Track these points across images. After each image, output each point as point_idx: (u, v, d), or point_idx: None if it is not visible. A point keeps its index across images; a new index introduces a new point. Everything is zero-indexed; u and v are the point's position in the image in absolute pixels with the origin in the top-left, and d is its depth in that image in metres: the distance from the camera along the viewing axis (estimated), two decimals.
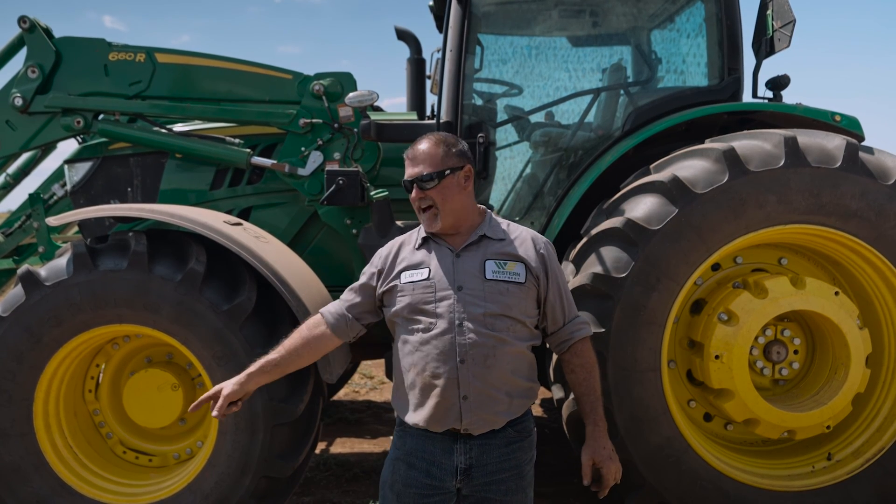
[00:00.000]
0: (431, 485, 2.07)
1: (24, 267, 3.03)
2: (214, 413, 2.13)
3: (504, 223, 2.21)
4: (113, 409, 3.37)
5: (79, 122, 3.80)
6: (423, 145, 2.12)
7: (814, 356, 3.31)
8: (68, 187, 4.12)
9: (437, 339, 2.03)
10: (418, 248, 2.16)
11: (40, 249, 4.20)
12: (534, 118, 4.15)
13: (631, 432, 3.04)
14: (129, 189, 4.05)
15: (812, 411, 3.11)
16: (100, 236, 3.23)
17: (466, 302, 2.03)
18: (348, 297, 2.24)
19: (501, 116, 4.08)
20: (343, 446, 4.93)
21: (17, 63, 3.88)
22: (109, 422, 3.37)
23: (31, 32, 3.75)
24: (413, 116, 4.25)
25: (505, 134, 4.22)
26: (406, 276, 2.11)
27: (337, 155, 3.84)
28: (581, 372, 2.21)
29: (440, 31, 4.24)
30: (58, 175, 4.94)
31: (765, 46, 3.63)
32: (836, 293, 3.12)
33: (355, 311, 2.22)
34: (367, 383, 6.62)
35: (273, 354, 2.19)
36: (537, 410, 5.48)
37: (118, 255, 3.01)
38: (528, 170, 4.09)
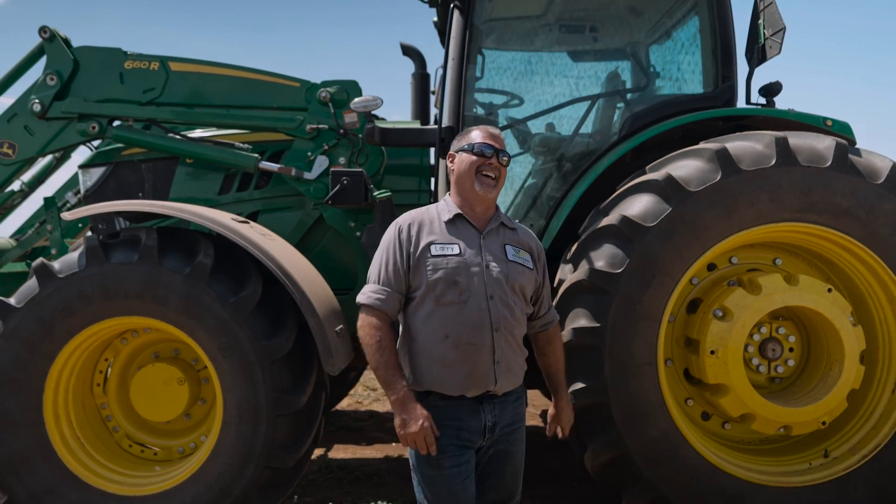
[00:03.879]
0: (462, 445, 2.25)
1: (38, 260, 3.13)
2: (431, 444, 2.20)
3: (509, 218, 2.49)
4: (120, 403, 3.43)
5: (94, 128, 3.94)
6: (499, 132, 2.43)
7: (809, 354, 3.35)
8: (82, 191, 4.25)
9: (472, 310, 2.22)
10: (446, 224, 2.33)
11: (53, 252, 4.31)
12: (534, 128, 4.27)
13: (627, 426, 3.08)
14: (141, 193, 4.18)
15: (807, 406, 3.14)
16: (112, 233, 3.34)
17: (494, 278, 2.26)
18: (382, 276, 2.30)
19: (502, 123, 4.19)
20: (345, 452, 4.97)
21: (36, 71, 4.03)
22: (116, 416, 3.44)
23: (51, 42, 3.91)
24: (416, 124, 4.38)
25: (507, 147, 4.33)
26: (436, 249, 2.26)
27: (342, 159, 3.95)
28: (557, 351, 2.56)
29: (444, 46, 4.39)
30: (72, 183, 5.09)
31: (757, 54, 3.74)
32: (829, 290, 3.18)
33: (402, 287, 2.31)
34: (371, 395, 6.66)
35: (390, 372, 2.23)
36: (536, 420, 5.51)
37: (129, 248, 3.11)
38: (527, 175, 4.19)
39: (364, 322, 2.28)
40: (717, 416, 3.40)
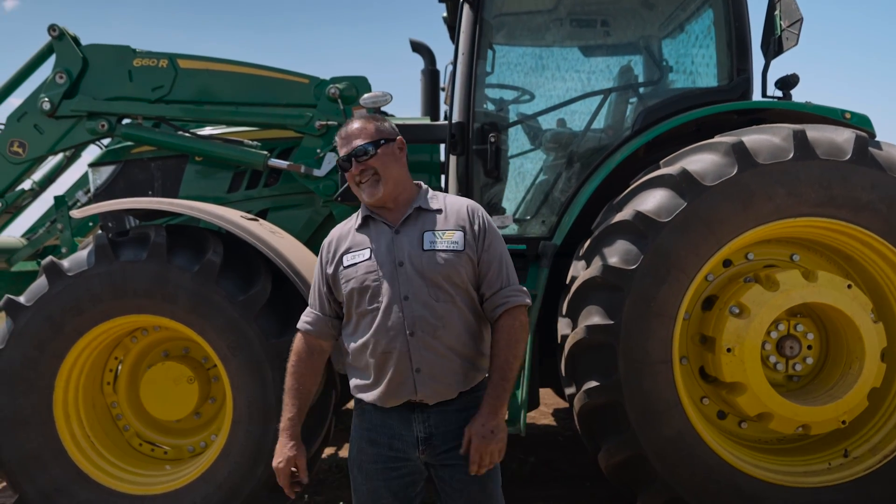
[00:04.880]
0: (396, 457, 2.08)
1: (48, 258, 3.12)
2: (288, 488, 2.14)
3: (441, 196, 2.22)
4: (130, 401, 3.42)
5: (103, 126, 3.94)
6: (354, 123, 2.15)
7: (828, 352, 3.28)
8: (91, 190, 4.24)
9: (385, 315, 2.03)
10: (359, 230, 2.16)
11: (63, 251, 4.30)
12: (545, 123, 4.22)
13: (642, 425, 3.02)
14: (150, 192, 4.17)
15: (826, 405, 3.08)
16: (121, 231, 3.32)
17: (409, 275, 2.04)
18: (311, 300, 2.25)
19: (513, 118, 4.14)
20: None
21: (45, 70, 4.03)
22: (126, 414, 3.43)
23: (60, 40, 3.91)
24: (426, 121, 4.34)
25: (518, 143, 4.30)
26: (348, 259, 2.11)
27: None
28: (501, 343, 2.10)
29: (453, 42, 4.35)
30: (82, 183, 5.08)
31: (773, 46, 3.67)
32: (849, 286, 3.11)
33: (326, 310, 2.20)
34: None
35: (287, 399, 2.16)
36: (549, 419, 5.46)
37: (138, 246, 3.10)
38: (539, 171, 4.14)
39: (293, 344, 2.21)
40: (733, 415, 3.34)
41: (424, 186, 2.24)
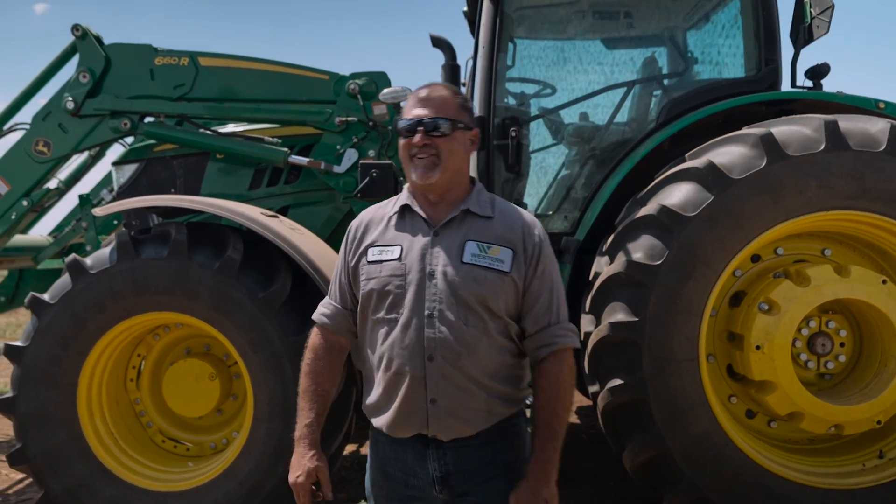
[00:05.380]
0: (413, 496, 1.83)
1: (71, 256, 3.15)
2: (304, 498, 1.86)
3: (495, 200, 1.91)
4: (153, 398, 3.44)
5: (126, 125, 3.96)
6: (438, 90, 1.84)
7: (861, 349, 3.18)
8: (115, 188, 4.28)
9: (403, 330, 1.75)
10: (393, 221, 1.87)
11: (88, 249, 4.34)
12: (567, 117, 4.15)
13: (668, 424, 2.96)
14: (173, 189, 4.19)
15: (860, 405, 2.98)
16: (144, 228, 3.34)
17: (438, 290, 1.75)
18: (332, 289, 1.99)
19: (534, 112, 4.09)
20: None
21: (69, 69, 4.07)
22: (149, 411, 3.45)
23: (83, 40, 3.94)
24: None
25: (540, 137, 4.24)
26: (373, 254, 1.83)
27: (371, 152, 3.90)
28: (548, 392, 1.80)
29: (474, 36, 4.30)
30: (107, 181, 5.14)
31: (803, 35, 3.56)
32: (884, 281, 3.01)
33: (347, 302, 1.93)
34: None
35: (304, 402, 1.90)
36: (572, 417, 5.39)
37: (159, 244, 3.10)
38: (561, 166, 4.08)
39: (308, 340, 1.97)
40: (762, 415, 3.25)
41: (479, 184, 1.92)
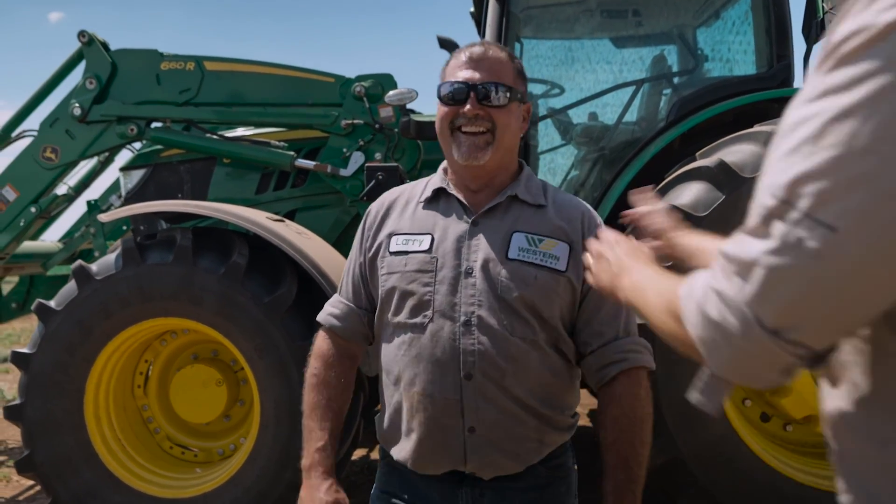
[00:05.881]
0: None
1: (77, 262, 3.14)
2: None
3: (547, 187, 1.58)
4: (161, 404, 3.43)
5: (132, 130, 3.95)
6: (493, 49, 1.49)
7: None
8: (122, 194, 4.28)
9: (432, 340, 1.42)
10: (423, 206, 1.54)
11: (96, 255, 4.36)
12: (575, 117, 4.11)
13: (680, 428, 2.90)
14: (180, 194, 4.18)
15: None
16: (150, 234, 3.33)
17: (478, 291, 1.42)
18: (343, 284, 1.67)
19: (542, 113, 4.04)
20: None
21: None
22: (157, 417, 3.43)
23: (90, 46, 3.94)
24: None
25: (548, 138, 4.19)
26: (396, 244, 1.51)
27: (378, 155, 3.87)
28: (622, 420, 1.46)
29: (480, 36, 4.27)
30: (115, 187, 5.15)
31: (815, 30, 3.50)
32: None
33: (361, 300, 1.61)
34: None
35: (312, 423, 1.56)
36: (584, 420, 5.33)
37: (165, 249, 3.09)
38: (570, 166, 4.03)
39: (313, 345, 1.65)
40: (777, 418, 3.19)
41: (528, 169, 1.59)
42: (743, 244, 0.70)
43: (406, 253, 1.49)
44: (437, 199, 1.55)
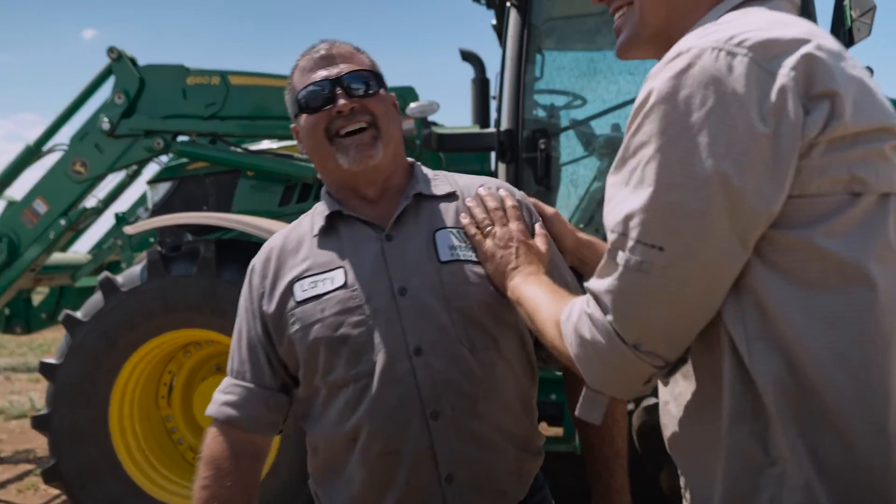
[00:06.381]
0: None
1: (103, 274, 3.19)
2: None
3: (445, 175, 1.42)
4: (184, 415, 3.46)
5: (159, 144, 4.02)
6: (338, 44, 1.34)
7: None
8: (149, 206, 4.34)
9: (382, 386, 1.21)
10: (319, 239, 1.32)
11: (123, 266, 4.42)
12: (598, 129, 4.08)
13: None
14: (205, 207, 4.23)
15: None
16: (175, 245, 3.37)
17: (420, 310, 1.23)
18: (234, 363, 1.37)
19: (564, 124, 4.03)
20: None
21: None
22: (181, 428, 3.46)
23: (119, 62, 4.03)
24: (475, 129, 4.27)
25: (570, 149, 4.17)
26: (303, 290, 1.27)
27: None
28: (598, 433, 1.37)
29: (502, 48, 4.28)
30: (143, 200, 5.24)
31: (843, 38, 3.43)
32: None
33: (265, 378, 1.33)
34: None
35: None
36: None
37: (189, 261, 3.13)
38: (592, 179, 4.00)
39: (202, 447, 1.34)
40: None
41: (417, 164, 1.43)
42: (601, 280, 0.86)
43: (319, 297, 1.26)
44: (335, 227, 1.33)
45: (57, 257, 4.80)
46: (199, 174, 4.25)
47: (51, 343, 11.12)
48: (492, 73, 4.47)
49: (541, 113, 4.02)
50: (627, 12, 1.03)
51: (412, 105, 3.57)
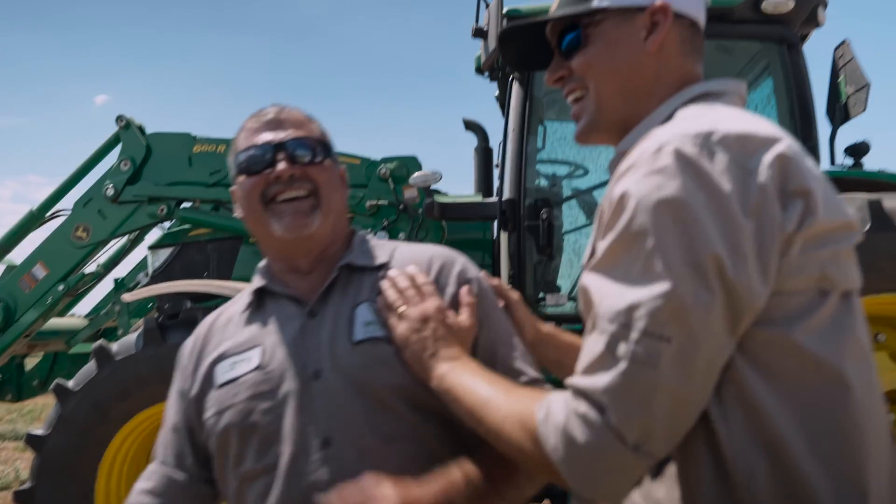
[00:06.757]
0: None
1: (97, 342, 3.14)
2: None
3: (389, 245, 1.32)
4: None
5: (162, 210, 4.04)
6: (287, 109, 1.29)
7: None
8: (150, 272, 4.33)
9: (288, 480, 1.09)
10: (245, 316, 1.26)
11: (120, 333, 4.37)
12: (600, 197, 4.11)
13: None
14: (206, 273, 4.21)
15: None
16: (173, 313, 3.33)
17: (331, 395, 1.12)
18: (159, 447, 1.30)
19: (566, 193, 4.06)
20: None
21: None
22: None
23: (126, 130, 4.09)
24: (477, 198, 4.29)
25: (572, 218, 4.19)
26: (223, 372, 1.19)
27: (402, 235, 3.89)
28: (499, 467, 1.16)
29: (504, 118, 4.36)
30: (143, 265, 5.23)
31: (839, 113, 3.50)
32: None
33: (187, 464, 1.25)
34: None
35: None
36: None
37: (186, 329, 3.06)
38: None
39: None
40: None
41: (362, 233, 1.35)
42: (594, 376, 0.80)
43: (234, 380, 1.17)
44: (263, 303, 1.27)
45: (53, 322, 4.74)
46: (200, 240, 4.26)
47: (41, 409, 10.88)
48: (494, 142, 4.54)
49: (543, 182, 4.05)
50: (584, 100, 1.05)
51: (415, 174, 3.61)
